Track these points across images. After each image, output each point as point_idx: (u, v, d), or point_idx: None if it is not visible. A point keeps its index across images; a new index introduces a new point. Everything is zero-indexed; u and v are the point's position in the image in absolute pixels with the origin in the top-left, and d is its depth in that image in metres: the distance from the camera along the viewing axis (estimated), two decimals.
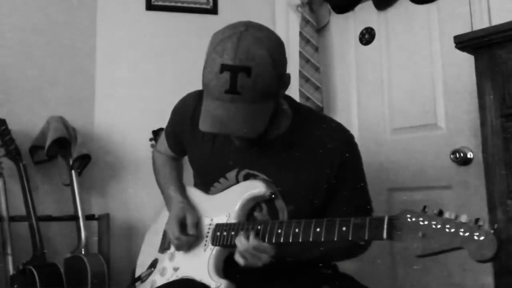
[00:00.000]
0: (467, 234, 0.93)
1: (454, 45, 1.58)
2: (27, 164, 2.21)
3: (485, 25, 1.89)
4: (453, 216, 0.97)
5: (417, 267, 2.07)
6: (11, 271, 2.09)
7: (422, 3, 2.18)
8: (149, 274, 1.50)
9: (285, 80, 1.28)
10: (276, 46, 1.23)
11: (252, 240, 1.23)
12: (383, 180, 2.22)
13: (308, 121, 1.38)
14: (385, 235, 1.03)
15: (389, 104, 2.29)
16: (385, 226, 1.04)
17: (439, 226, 0.97)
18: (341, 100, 2.48)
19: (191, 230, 1.40)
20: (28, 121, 2.35)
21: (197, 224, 1.41)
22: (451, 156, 1.98)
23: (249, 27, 1.21)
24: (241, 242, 1.24)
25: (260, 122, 1.24)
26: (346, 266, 1.47)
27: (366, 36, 2.40)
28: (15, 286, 2.04)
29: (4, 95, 2.31)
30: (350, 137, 1.39)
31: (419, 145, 2.15)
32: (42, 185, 2.38)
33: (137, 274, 1.57)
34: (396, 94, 2.27)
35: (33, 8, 2.46)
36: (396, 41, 2.29)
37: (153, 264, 1.51)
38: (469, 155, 1.97)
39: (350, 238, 1.10)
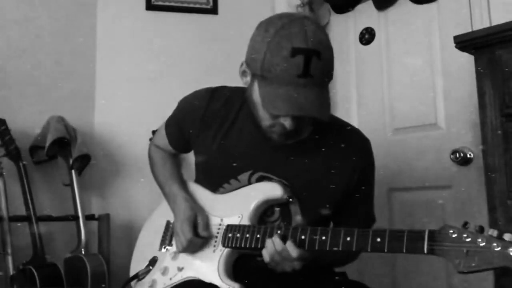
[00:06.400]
0: None
1: (454, 45, 1.58)
2: (27, 164, 2.21)
3: (485, 25, 1.89)
4: (495, 234, 0.96)
5: (416, 268, 2.07)
6: (11, 271, 2.09)
7: (422, 3, 2.18)
8: (147, 273, 1.43)
9: None
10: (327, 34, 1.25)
11: (290, 245, 1.17)
12: (383, 180, 2.21)
13: (330, 127, 1.34)
14: (425, 250, 1.02)
15: (389, 104, 2.29)
16: (426, 240, 1.02)
17: (484, 244, 0.96)
18: (341, 100, 2.47)
19: (203, 232, 1.34)
20: (28, 121, 2.35)
21: (208, 225, 1.36)
22: (451, 156, 1.98)
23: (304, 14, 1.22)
24: (276, 243, 1.18)
25: (329, 106, 1.22)
26: (346, 266, 1.46)
27: (366, 36, 2.40)
28: (15, 286, 2.04)
29: (4, 95, 2.31)
30: (369, 146, 1.39)
31: (419, 145, 2.15)
32: (42, 185, 2.38)
33: (132, 272, 1.49)
34: (396, 94, 2.27)
35: (33, 8, 2.46)
36: (396, 41, 2.29)
37: (152, 263, 1.44)
38: (469, 155, 1.96)
39: (385, 250, 1.07)
